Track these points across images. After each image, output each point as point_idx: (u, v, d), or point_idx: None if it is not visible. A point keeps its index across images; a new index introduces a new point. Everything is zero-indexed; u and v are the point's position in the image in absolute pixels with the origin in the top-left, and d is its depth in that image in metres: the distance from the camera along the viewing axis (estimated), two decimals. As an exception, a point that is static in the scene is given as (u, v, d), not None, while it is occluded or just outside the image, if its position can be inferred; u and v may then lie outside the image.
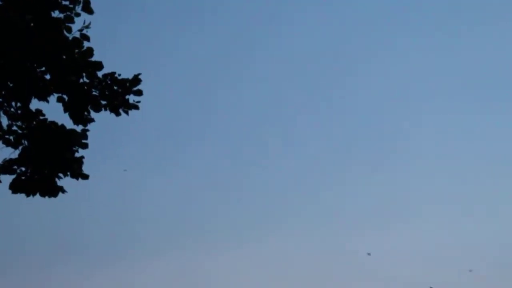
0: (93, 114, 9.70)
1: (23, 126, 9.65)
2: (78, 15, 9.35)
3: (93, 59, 9.46)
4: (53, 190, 9.76)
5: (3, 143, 9.62)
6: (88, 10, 9.37)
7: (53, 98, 9.56)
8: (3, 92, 9.38)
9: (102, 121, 9.88)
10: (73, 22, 9.33)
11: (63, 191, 9.82)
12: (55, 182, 9.76)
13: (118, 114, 9.77)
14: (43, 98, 9.52)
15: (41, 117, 9.62)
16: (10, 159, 9.61)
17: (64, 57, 9.40)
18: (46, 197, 9.78)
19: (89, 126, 9.72)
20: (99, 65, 9.50)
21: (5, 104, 9.52)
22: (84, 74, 9.51)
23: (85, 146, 9.73)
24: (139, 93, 9.70)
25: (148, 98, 10.00)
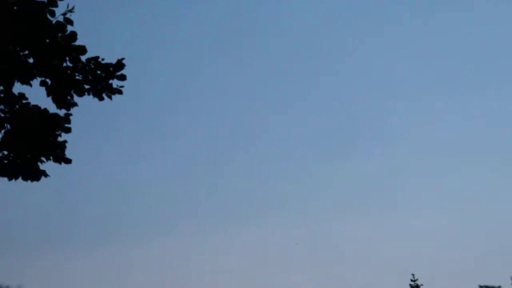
0: (76, 99, 9.69)
1: (6, 109, 9.61)
2: (61, -1, 9.32)
3: (76, 43, 9.45)
4: (35, 174, 9.74)
5: (-15, 126, 9.59)
6: (72, -6, 9.33)
7: (36, 82, 9.54)
8: (-15, 75, 9.33)
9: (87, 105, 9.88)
10: (56, 6, 9.30)
11: (46, 175, 9.81)
12: (38, 166, 9.74)
13: (101, 98, 9.76)
14: (26, 81, 9.48)
15: (24, 101, 9.58)
16: (-7, 143, 9.57)
17: (47, 41, 9.37)
18: (29, 181, 9.77)
19: (72, 111, 9.71)
20: (82, 49, 9.48)
21: (-12, 87, 9.48)
22: (67, 58, 9.49)
23: (68, 130, 9.71)
24: (122, 77, 9.70)
25: (133, 82, 10.01)
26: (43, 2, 9.28)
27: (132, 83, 9.79)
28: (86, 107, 9.86)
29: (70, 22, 9.38)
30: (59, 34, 9.39)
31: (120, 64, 9.62)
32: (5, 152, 9.65)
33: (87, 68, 9.56)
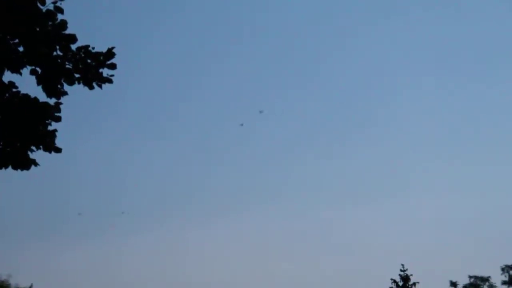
0: (66, 87, 9.67)
1: (-5, 98, 9.58)
2: (52, -13, 9.28)
3: (67, 32, 9.42)
4: (25, 163, 9.74)
5: (-25, 115, 9.56)
6: (62, -18, 9.30)
7: (26, 70, 9.51)
8: (-25, 64, 9.30)
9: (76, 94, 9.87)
10: (46, -6, 9.26)
11: (36, 164, 9.81)
12: (28, 155, 9.74)
13: (91, 87, 9.76)
14: (16, 70, 9.46)
15: (14, 90, 9.56)
16: (-18, 132, 9.55)
17: (37, 29, 9.34)
18: (18, 170, 9.77)
19: (62, 99, 9.70)
20: (72, 38, 9.46)
21: (-23, 76, 9.45)
22: (57, 47, 9.47)
23: (58, 119, 9.71)
24: (112, 66, 9.69)
25: (124, 72, 10.00)
26: (33, -10, 9.24)
27: (125, 70, 9.79)
28: (77, 95, 9.84)
29: (61, 11, 9.36)
30: (49, 23, 9.36)
31: (110, 53, 9.61)
32: (-5, 141, 9.63)
33: (77, 57, 9.55)
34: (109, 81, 9.77)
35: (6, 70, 9.44)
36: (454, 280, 61.97)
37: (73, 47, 9.51)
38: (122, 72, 9.86)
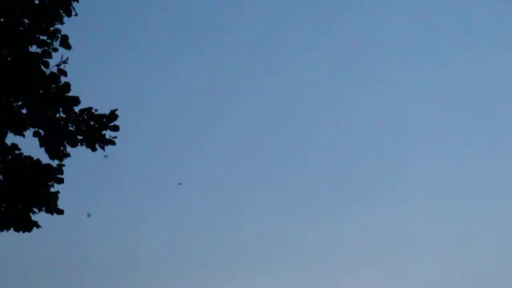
0: (69, 149, 9.66)
1: (-2, 160, 9.61)
2: (55, 50, 9.37)
3: (70, 94, 9.46)
4: (27, 225, 9.69)
5: (-22, 177, 9.57)
6: (66, 45, 9.38)
7: (29, 132, 9.54)
8: (-22, 126, 9.35)
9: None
10: (50, 57, 9.34)
11: (38, 226, 9.75)
12: (30, 217, 9.69)
13: (94, 149, 9.72)
14: (19, 132, 9.49)
15: (17, 152, 9.58)
16: (-15, 194, 9.54)
17: (41, 91, 9.39)
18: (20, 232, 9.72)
19: (65, 161, 9.68)
20: (76, 100, 9.48)
21: (-19, 138, 9.49)
22: (60, 109, 9.49)
23: (60, 181, 9.68)
24: (115, 128, 9.67)
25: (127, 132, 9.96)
26: (37, 53, 9.33)
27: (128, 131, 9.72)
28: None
29: (64, 73, 9.40)
30: (53, 85, 9.41)
31: (113, 115, 9.60)
32: (-3, 203, 9.61)
33: (80, 119, 9.55)
34: (112, 143, 9.73)
35: (9, 132, 9.47)
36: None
37: (76, 109, 9.53)
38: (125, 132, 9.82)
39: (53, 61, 9.34)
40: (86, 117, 9.56)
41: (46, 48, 9.32)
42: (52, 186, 9.69)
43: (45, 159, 9.62)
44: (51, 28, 9.32)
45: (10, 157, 9.57)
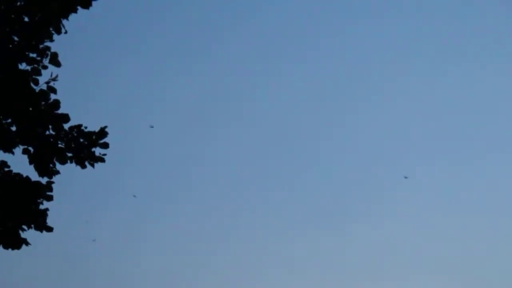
0: (58, 166, 9.63)
1: (-13, 177, 9.57)
2: (45, 67, 9.35)
3: (59, 111, 9.43)
4: (16, 243, 9.64)
5: (-33, 194, 9.54)
6: (56, 63, 9.37)
7: (18, 149, 9.51)
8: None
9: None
10: (40, 74, 9.32)
11: (27, 243, 9.71)
12: (19, 235, 9.65)
13: (84, 166, 9.69)
14: (9, 149, 9.46)
15: (6, 169, 9.55)
16: (-26, 211, 9.50)
17: (30, 109, 9.37)
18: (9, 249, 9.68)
19: (54, 178, 9.65)
20: (65, 118, 9.46)
21: (-30, 155, 9.47)
22: (50, 126, 9.46)
23: (50, 198, 9.64)
24: (105, 146, 9.64)
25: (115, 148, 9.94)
26: (27, 70, 9.32)
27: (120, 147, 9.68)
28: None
29: (54, 91, 9.39)
30: (43, 103, 9.39)
31: (103, 132, 9.57)
32: (-14, 221, 9.57)
33: (70, 136, 9.52)
34: (102, 160, 9.69)
35: (-2, 149, 9.44)
36: None
37: (66, 126, 9.50)
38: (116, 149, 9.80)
39: (43, 79, 9.34)
40: (75, 134, 9.53)
41: (35, 65, 9.30)
42: (42, 203, 9.65)
43: (34, 176, 9.60)
44: (41, 46, 9.30)
45: (-1, 174, 9.54)
